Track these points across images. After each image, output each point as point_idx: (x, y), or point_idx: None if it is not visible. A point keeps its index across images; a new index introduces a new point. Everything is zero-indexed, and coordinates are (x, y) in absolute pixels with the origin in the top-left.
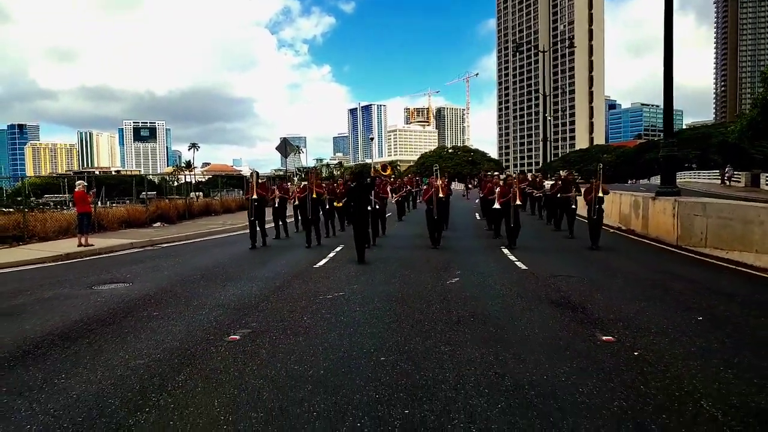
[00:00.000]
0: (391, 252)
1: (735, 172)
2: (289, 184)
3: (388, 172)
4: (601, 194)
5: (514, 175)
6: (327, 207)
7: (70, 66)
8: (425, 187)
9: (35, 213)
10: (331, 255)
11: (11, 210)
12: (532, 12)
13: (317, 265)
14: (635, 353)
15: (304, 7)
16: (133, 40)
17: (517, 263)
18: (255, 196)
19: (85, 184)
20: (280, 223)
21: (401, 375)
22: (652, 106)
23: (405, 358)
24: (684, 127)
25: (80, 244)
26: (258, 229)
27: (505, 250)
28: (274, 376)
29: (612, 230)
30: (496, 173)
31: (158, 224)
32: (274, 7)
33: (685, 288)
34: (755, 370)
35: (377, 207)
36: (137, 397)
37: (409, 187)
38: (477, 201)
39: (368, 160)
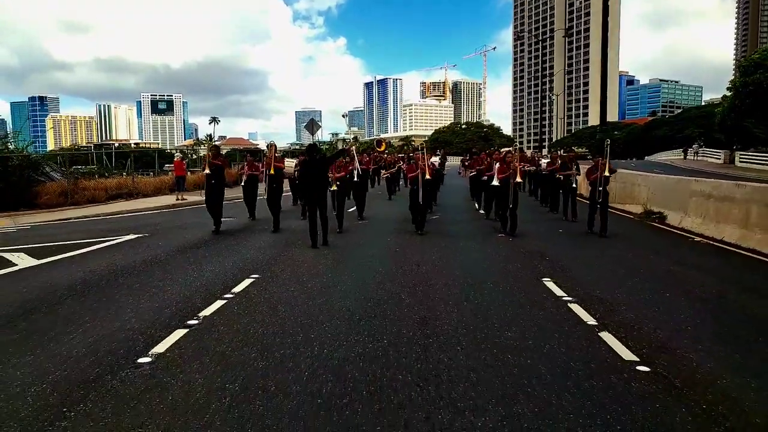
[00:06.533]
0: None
1: (707, 150)
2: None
3: (383, 147)
4: (607, 173)
5: (513, 151)
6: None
7: (83, 37)
8: (410, 164)
9: (136, 176)
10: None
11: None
12: None
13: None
14: (522, 245)
15: None
16: (145, 11)
17: (480, 211)
18: (208, 171)
19: (181, 155)
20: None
21: (400, 243)
22: (671, 81)
23: (400, 241)
24: (703, 103)
25: (177, 199)
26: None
27: (476, 205)
28: (363, 231)
29: None
30: (506, 149)
31: None
32: None
33: (577, 226)
34: (579, 254)
35: (338, 184)
36: (288, 245)
37: (401, 164)
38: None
39: (383, 135)
